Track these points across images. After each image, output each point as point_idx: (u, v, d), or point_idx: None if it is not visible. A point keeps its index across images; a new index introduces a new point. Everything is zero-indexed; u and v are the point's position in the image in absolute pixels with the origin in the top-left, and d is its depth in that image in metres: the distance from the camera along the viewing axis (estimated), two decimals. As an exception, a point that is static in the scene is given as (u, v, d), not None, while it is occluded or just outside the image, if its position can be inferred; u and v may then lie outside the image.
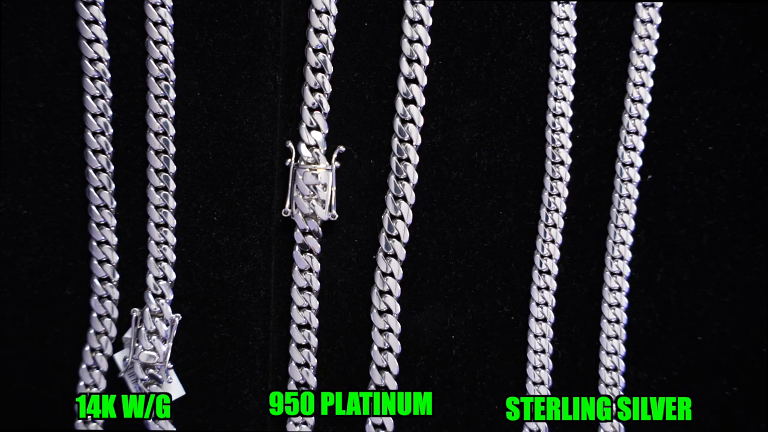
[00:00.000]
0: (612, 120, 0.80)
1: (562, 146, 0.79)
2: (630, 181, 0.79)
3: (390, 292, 0.78)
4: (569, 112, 0.79)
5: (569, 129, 0.79)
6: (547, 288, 0.79)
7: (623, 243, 0.79)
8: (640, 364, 0.80)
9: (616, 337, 0.80)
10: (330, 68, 0.77)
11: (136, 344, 0.77)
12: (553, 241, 0.79)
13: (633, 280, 0.80)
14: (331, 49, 0.77)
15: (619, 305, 0.80)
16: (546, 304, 0.79)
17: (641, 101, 0.79)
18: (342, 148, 0.78)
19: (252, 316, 0.79)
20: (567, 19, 0.79)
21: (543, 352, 0.80)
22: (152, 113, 0.76)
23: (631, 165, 0.79)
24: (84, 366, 0.77)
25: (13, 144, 0.77)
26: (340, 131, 0.78)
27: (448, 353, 0.80)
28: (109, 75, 0.76)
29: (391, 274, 0.78)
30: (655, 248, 0.80)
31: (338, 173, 0.78)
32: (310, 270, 0.78)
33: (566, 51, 0.79)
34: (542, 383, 0.80)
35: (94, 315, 0.77)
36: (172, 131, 0.77)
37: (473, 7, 0.79)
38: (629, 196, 0.79)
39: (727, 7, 0.79)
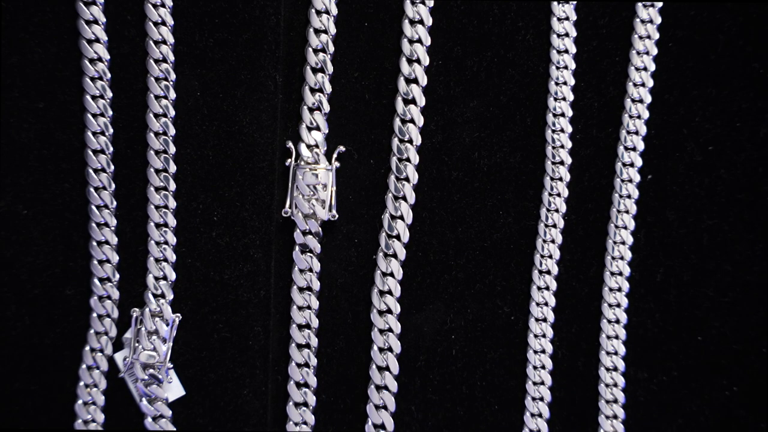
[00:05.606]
0: (612, 120, 0.80)
1: (562, 146, 0.79)
2: (630, 181, 0.79)
3: (390, 292, 0.78)
4: (569, 112, 0.79)
5: (569, 129, 0.79)
6: (547, 288, 0.79)
7: (623, 243, 0.79)
8: (640, 364, 0.80)
9: (616, 337, 0.80)
10: (330, 68, 0.77)
11: (136, 344, 0.77)
12: (553, 241, 0.79)
13: (633, 280, 0.80)
14: (331, 49, 0.77)
15: (619, 305, 0.80)
16: (546, 304, 0.79)
17: (641, 101, 0.79)
18: (342, 148, 0.78)
19: (252, 316, 0.79)
20: (567, 19, 0.79)
21: (543, 352, 0.80)
22: (152, 113, 0.76)
23: (631, 165, 0.79)
24: (84, 366, 0.77)
25: (13, 144, 0.77)
26: (340, 131, 0.78)
27: (448, 353, 0.80)
28: (109, 75, 0.76)
29: (391, 274, 0.78)
30: (655, 248, 0.80)
31: (338, 173, 0.78)
32: (310, 270, 0.78)
33: (566, 51, 0.79)
34: (542, 383, 0.80)
35: (94, 315, 0.77)
36: (172, 131, 0.77)
37: (473, 7, 0.79)
38: (629, 196, 0.79)
39: (727, 7, 0.79)
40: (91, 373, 0.78)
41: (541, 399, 0.80)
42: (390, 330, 0.78)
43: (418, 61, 0.77)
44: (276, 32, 0.77)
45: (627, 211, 0.79)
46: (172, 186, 0.77)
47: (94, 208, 0.77)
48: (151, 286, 0.77)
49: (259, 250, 0.78)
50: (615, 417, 0.80)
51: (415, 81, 0.77)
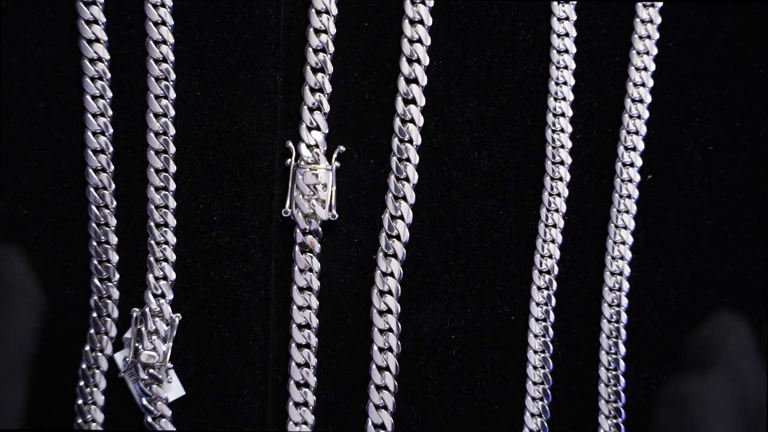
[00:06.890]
0: (612, 120, 0.80)
1: (562, 146, 0.79)
2: (630, 181, 0.79)
3: (390, 292, 0.78)
4: (569, 112, 0.79)
5: (569, 129, 0.79)
6: (547, 288, 0.79)
7: (623, 243, 0.79)
8: (640, 364, 0.80)
9: (616, 337, 0.80)
10: (330, 68, 0.77)
11: (136, 344, 0.77)
12: (553, 241, 0.79)
13: (633, 280, 0.80)
14: (331, 49, 0.77)
15: (619, 305, 0.80)
16: (546, 304, 0.79)
17: (641, 101, 0.79)
18: (342, 148, 0.78)
19: (252, 316, 0.79)
20: (567, 19, 0.79)
21: (543, 352, 0.80)
22: (152, 113, 0.76)
23: (631, 165, 0.79)
24: (84, 366, 0.77)
25: (13, 144, 0.77)
26: (340, 131, 0.78)
27: (448, 353, 0.80)
28: (109, 75, 0.76)
29: (391, 274, 0.78)
30: (655, 248, 0.80)
31: (338, 173, 0.78)
32: (310, 270, 0.78)
33: (566, 51, 0.79)
34: (542, 383, 0.80)
35: (94, 315, 0.77)
36: (172, 131, 0.77)
37: (473, 7, 0.79)
38: (629, 196, 0.79)
39: (727, 7, 0.79)
40: (91, 373, 0.78)
41: (541, 399, 0.80)
42: (390, 330, 0.78)
43: (418, 61, 0.77)
44: (276, 32, 0.77)
45: (627, 211, 0.79)
46: (172, 186, 0.77)
47: (94, 208, 0.77)
48: (151, 286, 0.77)
49: (259, 250, 0.78)
50: (615, 417, 0.80)
51: (415, 81, 0.77)
